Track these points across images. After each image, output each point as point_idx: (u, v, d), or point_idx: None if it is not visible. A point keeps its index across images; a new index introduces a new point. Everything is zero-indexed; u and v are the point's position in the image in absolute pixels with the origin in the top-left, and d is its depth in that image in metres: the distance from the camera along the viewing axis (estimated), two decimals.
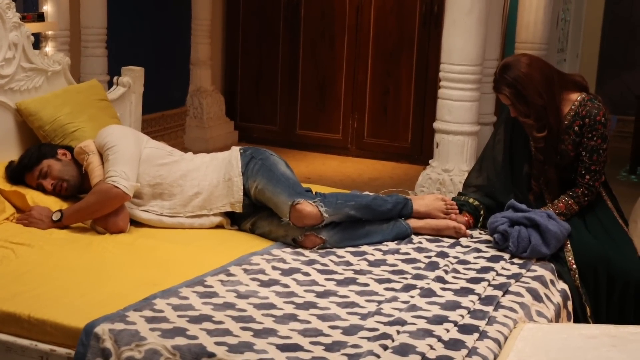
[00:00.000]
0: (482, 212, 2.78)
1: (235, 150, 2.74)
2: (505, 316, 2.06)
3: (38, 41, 3.44)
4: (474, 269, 2.38)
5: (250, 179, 2.65)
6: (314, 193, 2.66)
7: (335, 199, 2.59)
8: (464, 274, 2.33)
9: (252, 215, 2.68)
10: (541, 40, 4.59)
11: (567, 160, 2.66)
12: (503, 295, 2.19)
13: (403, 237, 2.66)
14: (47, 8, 3.60)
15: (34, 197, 2.67)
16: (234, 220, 2.73)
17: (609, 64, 6.39)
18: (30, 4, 3.61)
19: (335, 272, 2.33)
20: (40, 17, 3.48)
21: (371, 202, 2.65)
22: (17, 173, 2.74)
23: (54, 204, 2.69)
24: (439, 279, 2.27)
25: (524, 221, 2.52)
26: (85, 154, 2.65)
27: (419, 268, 2.38)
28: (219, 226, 2.72)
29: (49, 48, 3.60)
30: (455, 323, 1.97)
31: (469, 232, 2.72)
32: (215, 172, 2.69)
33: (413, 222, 2.70)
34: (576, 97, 2.64)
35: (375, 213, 2.65)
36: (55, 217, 2.57)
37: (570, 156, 2.65)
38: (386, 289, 2.21)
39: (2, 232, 2.52)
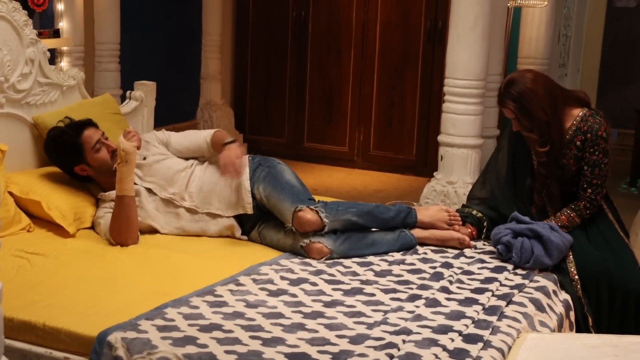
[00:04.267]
0: (485, 224, 2.82)
1: (244, 158, 2.80)
2: (509, 326, 2.08)
3: (53, 56, 3.51)
4: (478, 280, 2.41)
5: (256, 184, 2.72)
6: (317, 201, 2.70)
7: (337, 205, 2.65)
8: (468, 285, 2.36)
9: (259, 221, 2.73)
10: (543, 56, 4.63)
11: (569, 174, 2.70)
12: (507, 306, 2.22)
13: (408, 247, 2.69)
14: (63, 24, 3.67)
15: (49, 204, 2.71)
16: (242, 227, 2.75)
17: (609, 78, 6.43)
18: (46, 21, 3.67)
19: (342, 282, 2.36)
20: (56, 34, 3.54)
21: (373, 209, 2.69)
22: (81, 124, 2.76)
23: (69, 208, 2.73)
24: (444, 289, 2.30)
25: (527, 232, 2.55)
26: (122, 155, 2.60)
27: (424, 278, 2.41)
28: (228, 236, 2.76)
29: (64, 63, 3.67)
30: (460, 333, 2.00)
31: (472, 243, 2.76)
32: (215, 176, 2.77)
33: (418, 233, 2.73)
34: (578, 112, 2.68)
35: (378, 220, 2.68)
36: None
37: (572, 170, 2.68)
38: (392, 298, 2.24)
39: (18, 242, 2.56)
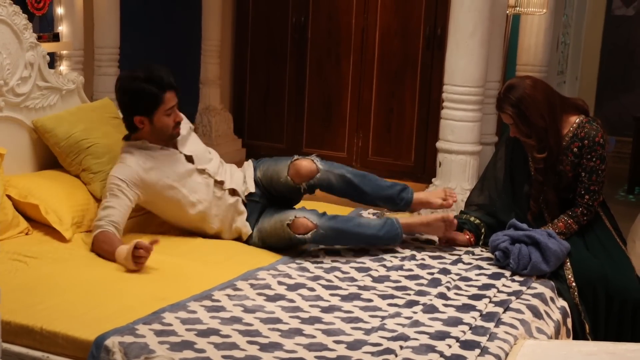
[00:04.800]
0: (483, 231, 2.83)
1: (249, 161, 2.96)
2: (506, 332, 2.09)
3: (53, 60, 3.51)
4: (475, 286, 2.42)
5: (257, 169, 2.85)
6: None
7: (332, 163, 2.77)
8: (466, 291, 2.37)
9: (259, 218, 2.76)
10: (542, 63, 4.65)
11: (566, 181, 2.70)
12: (504, 312, 2.23)
13: (394, 235, 2.69)
14: (62, 28, 3.67)
15: (47, 208, 2.71)
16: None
17: (607, 86, 6.46)
18: (45, 25, 3.68)
19: (340, 288, 2.37)
20: (56, 37, 3.55)
21: (369, 174, 2.79)
22: (170, 84, 2.66)
23: (67, 212, 2.73)
24: (442, 296, 2.31)
25: (524, 239, 2.56)
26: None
27: (421, 284, 2.42)
28: (235, 239, 2.79)
29: (63, 67, 3.67)
30: (457, 339, 2.00)
31: (455, 221, 2.76)
32: (235, 169, 2.91)
33: (403, 220, 2.76)
34: (575, 119, 2.69)
35: (372, 184, 2.75)
36: None
37: (569, 177, 2.69)
38: (390, 304, 2.25)
39: (16, 245, 2.57)
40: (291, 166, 2.74)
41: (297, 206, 2.91)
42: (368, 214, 3.08)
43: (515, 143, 2.77)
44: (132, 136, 2.78)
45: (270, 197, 2.82)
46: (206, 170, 2.78)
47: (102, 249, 2.53)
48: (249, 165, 2.93)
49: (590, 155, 2.64)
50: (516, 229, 2.62)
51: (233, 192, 2.80)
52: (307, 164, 2.73)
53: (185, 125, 2.86)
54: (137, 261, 2.38)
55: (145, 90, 2.65)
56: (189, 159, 2.78)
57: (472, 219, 2.85)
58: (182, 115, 2.78)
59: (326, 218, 2.64)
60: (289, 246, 2.69)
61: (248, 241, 2.78)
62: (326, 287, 2.37)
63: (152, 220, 2.90)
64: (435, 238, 2.90)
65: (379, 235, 2.68)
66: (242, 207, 2.78)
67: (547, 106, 2.62)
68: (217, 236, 2.81)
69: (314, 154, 2.82)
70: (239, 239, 2.80)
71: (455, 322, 2.11)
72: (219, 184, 2.79)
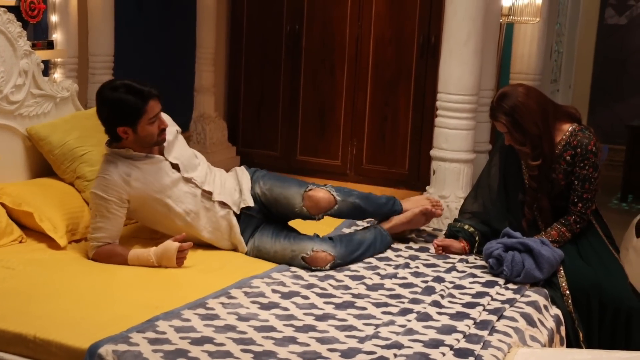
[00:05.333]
0: (477, 239, 2.83)
1: (241, 167, 2.94)
2: (500, 340, 2.09)
3: (47, 68, 3.51)
4: (469, 294, 2.42)
5: (256, 183, 2.79)
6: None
7: (342, 189, 2.80)
8: (460, 299, 2.38)
9: (255, 230, 2.74)
10: (535, 71, 4.66)
11: (558, 189, 2.71)
12: (498, 320, 2.23)
13: (387, 243, 2.83)
14: (57, 36, 3.67)
15: (41, 216, 2.71)
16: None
17: (600, 94, 6.49)
18: (40, 32, 3.67)
19: (334, 296, 2.37)
20: (50, 45, 3.54)
21: (370, 195, 2.87)
22: (152, 93, 2.60)
23: (61, 220, 2.73)
24: (435, 304, 2.31)
25: (518, 246, 2.57)
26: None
27: (415, 292, 2.42)
28: (231, 250, 2.78)
29: (57, 75, 3.67)
30: (451, 347, 2.01)
31: (439, 211, 2.91)
32: (225, 175, 2.87)
33: (385, 225, 2.87)
34: (568, 127, 2.70)
35: (374, 205, 2.84)
36: None
37: (561, 185, 2.70)
38: (384, 312, 2.25)
39: (10, 253, 2.57)
40: (306, 197, 2.69)
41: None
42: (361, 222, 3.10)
43: (509, 150, 2.78)
44: (114, 143, 2.71)
45: (267, 214, 2.78)
46: (192, 180, 2.72)
47: (110, 262, 2.58)
48: (243, 173, 2.85)
49: (583, 164, 2.65)
50: (510, 237, 2.63)
51: (223, 204, 2.74)
52: (326, 196, 2.71)
53: (172, 129, 2.80)
54: (181, 258, 2.54)
55: (127, 100, 2.59)
56: (175, 166, 2.73)
57: (466, 227, 2.86)
58: (167, 121, 2.71)
59: (339, 245, 2.66)
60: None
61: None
62: (320, 295, 2.37)
63: (145, 227, 2.89)
64: (430, 246, 2.91)
65: (377, 247, 2.80)
66: (235, 221, 2.72)
67: (541, 114, 2.63)
68: (211, 245, 2.79)
69: (328, 184, 2.81)
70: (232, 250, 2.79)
71: (449, 330, 2.12)
72: (207, 194, 2.74)
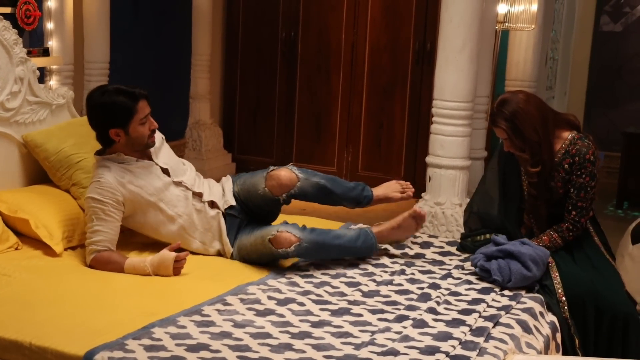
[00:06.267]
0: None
1: (228, 176, 2.97)
2: (496, 347, 2.09)
3: (43, 75, 3.51)
4: (465, 301, 2.42)
5: (235, 183, 2.85)
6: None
7: (304, 170, 2.78)
8: (456, 306, 2.37)
9: (237, 234, 2.75)
10: (530, 78, 4.69)
11: (556, 197, 2.71)
12: (493, 327, 2.23)
13: (369, 244, 2.75)
14: (52, 43, 3.68)
15: (37, 223, 2.70)
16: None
17: (596, 101, 6.52)
18: (35, 39, 3.68)
19: (330, 303, 2.37)
20: (46, 52, 3.55)
21: (336, 177, 2.84)
22: (141, 93, 2.65)
23: (57, 227, 2.72)
24: (431, 310, 2.31)
25: (497, 254, 2.58)
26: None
27: (411, 299, 2.42)
28: (217, 255, 2.78)
29: (53, 82, 3.67)
30: (447, 354, 2.00)
31: (424, 211, 2.82)
32: (212, 182, 2.92)
33: (374, 229, 2.82)
34: (567, 135, 2.70)
35: (341, 187, 2.81)
36: None
37: (559, 193, 2.69)
38: (379, 319, 2.24)
39: (5, 260, 2.56)
40: (269, 177, 2.71)
41: (275, 222, 2.88)
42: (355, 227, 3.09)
43: (508, 158, 2.78)
44: (106, 150, 2.74)
45: (248, 212, 2.81)
46: (183, 183, 2.77)
47: (106, 269, 2.57)
48: (227, 179, 2.92)
49: (580, 172, 2.65)
50: (496, 244, 2.63)
51: (212, 204, 2.79)
52: (287, 173, 2.72)
53: (157, 135, 2.85)
54: (178, 268, 2.55)
55: (118, 101, 2.63)
56: (165, 171, 2.77)
57: (479, 238, 2.83)
58: (155, 123, 2.75)
59: (307, 231, 2.65)
60: (270, 261, 2.68)
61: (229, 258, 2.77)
62: (316, 302, 2.36)
63: (137, 234, 2.88)
64: (426, 252, 2.91)
65: (357, 246, 2.73)
66: (223, 222, 2.76)
67: (541, 120, 2.63)
68: (200, 253, 2.77)
69: (290, 163, 2.83)
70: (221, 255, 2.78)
71: (445, 336, 2.12)
72: (198, 195, 2.78)
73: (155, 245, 2.77)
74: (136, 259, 2.61)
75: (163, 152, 2.84)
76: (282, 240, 2.58)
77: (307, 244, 2.59)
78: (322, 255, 2.70)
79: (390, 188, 2.93)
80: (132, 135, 2.66)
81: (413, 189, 2.91)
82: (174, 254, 2.55)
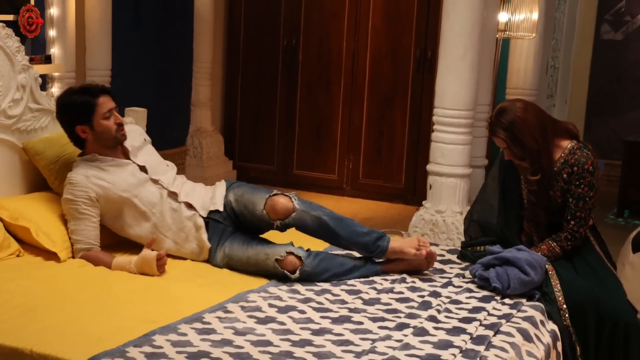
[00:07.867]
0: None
1: (221, 180, 2.97)
2: (497, 356, 2.09)
3: (45, 82, 3.52)
4: (465, 309, 2.42)
5: (231, 191, 2.84)
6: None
7: (309, 202, 2.75)
8: (456, 314, 2.37)
9: (223, 239, 2.74)
10: (531, 87, 4.69)
11: (555, 206, 2.71)
12: (494, 335, 2.23)
13: (372, 272, 2.71)
14: (54, 51, 3.69)
15: (37, 230, 2.71)
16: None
17: (596, 109, 6.53)
18: (38, 47, 3.69)
19: (331, 310, 2.37)
20: (48, 60, 3.56)
21: (346, 218, 2.73)
22: (101, 89, 2.81)
23: (58, 234, 2.72)
24: (432, 318, 2.31)
25: (494, 262, 2.58)
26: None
27: (412, 307, 2.42)
28: (191, 255, 2.79)
29: (55, 89, 3.68)
30: None
31: (435, 251, 2.76)
32: (200, 185, 2.95)
33: (385, 267, 2.74)
34: (567, 144, 2.70)
35: (348, 229, 2.68)
36: None
37: (558, 202, 2.69)
38: (380, 327, 2.24)
39: (7, 267, 2.56)
40: (268, 201, 2.71)
41: (264, 235, 2.84)
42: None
43: (508, 166, 2.78)
44: (84, 153, 2.85)
45: (236, 222, 2.79)
46: (159, 181, 2.81)
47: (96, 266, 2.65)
48: (221, 184, 2.91)
49: (579, 182, 2.65)
50: (491, 253, 2.63)
51: (189, 206, 2.80)
52: (284, 201, 2.69)
53: (140, 137, 2.95)
54: (161, 266, 2.60)
55: (78, 99, 2.78)
56: (143, 169, 2.83)
57: (479, 249, 2.83)
58: (136, 131, 2.87)
59: (312, 256, 2.62)
60: (264, 275, 2.65)
61: (209, 260, 2.76)
62: (317, 310, 2.36)
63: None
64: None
65: (360, 274, 2.69)
66: (201, 221, 2.76)
67: (539, 128, 2.63)
68: (172, 254, 2.77)
69: (294, 192, 2.78)
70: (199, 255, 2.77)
71: (445, 345, 2.11)
72: (173, 195, 2.80)
73: (133, 247, 2.81)
74: (122, 258, 2.69)
75: (144, 151, 2.92)
76: (287, 263, 2.59)
77: (310, 270, 2.61)
78: (324, 278, 2.65)
79: (407, 243, 2.71)
80: (98, 130, 2.77)
81: (430, 248, 2.70)
82: (155, 252, 2.61)
